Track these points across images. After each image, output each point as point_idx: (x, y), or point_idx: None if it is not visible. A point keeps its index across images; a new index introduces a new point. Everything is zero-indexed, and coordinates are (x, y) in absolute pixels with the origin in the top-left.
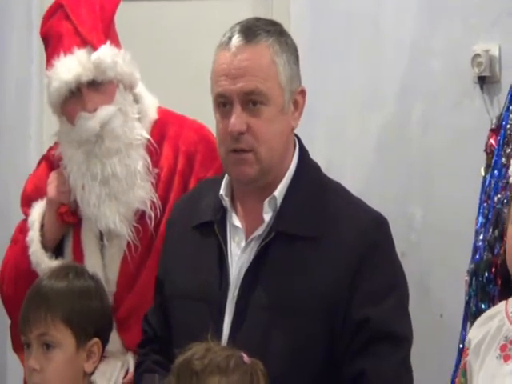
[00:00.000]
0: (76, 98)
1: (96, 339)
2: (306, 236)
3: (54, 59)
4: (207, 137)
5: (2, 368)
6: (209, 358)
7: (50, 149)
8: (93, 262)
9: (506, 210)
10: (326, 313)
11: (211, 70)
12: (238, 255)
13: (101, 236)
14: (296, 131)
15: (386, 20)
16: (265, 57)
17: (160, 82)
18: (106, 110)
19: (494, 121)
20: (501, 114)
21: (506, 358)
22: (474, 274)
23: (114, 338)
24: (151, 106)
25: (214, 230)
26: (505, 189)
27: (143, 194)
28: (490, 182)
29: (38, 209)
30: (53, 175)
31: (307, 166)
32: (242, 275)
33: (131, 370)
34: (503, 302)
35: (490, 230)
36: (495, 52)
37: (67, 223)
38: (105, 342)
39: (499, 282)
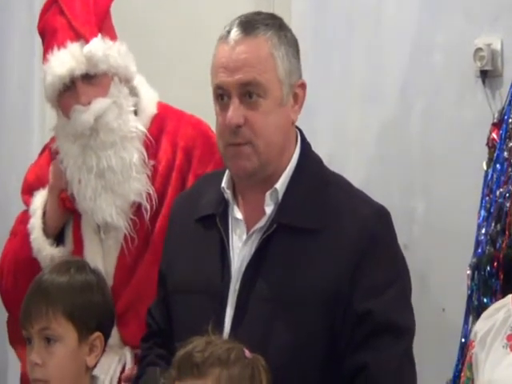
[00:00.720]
0: (70, 92)
1: (98, 333)
2: (307, 228)
3: (48, 54)
4: (205, 132)
5: (3, 364)
6: (209, 350)
7: (53, 139)
8: (94, 250)
9: (508, 204)
10: (328, 306)
11: (211, 64)
12: (240, 248)
13: (98, 229)
14: (298, 124)
15: (388, 14)
16: (263, 49)
17: (160, 76)
18: (100, 102)
19: (496, 115)
20: (503, 108)
21: None
22: (476, 268)
23: (112, 332)
24: (151, 100)
25: (215, 223)
26: (507, 183)
27: (139, 186)
28: (492, 176)
29: (40, 197)
30: (54, 163)
31: (309, 159)
32: (243, 268)
33: (128, 365)
34: (510, 296)
35: (492, 224)
36: (497, 46)
37: (69, 209)
38: (107, 335)
39: (501, 276)
